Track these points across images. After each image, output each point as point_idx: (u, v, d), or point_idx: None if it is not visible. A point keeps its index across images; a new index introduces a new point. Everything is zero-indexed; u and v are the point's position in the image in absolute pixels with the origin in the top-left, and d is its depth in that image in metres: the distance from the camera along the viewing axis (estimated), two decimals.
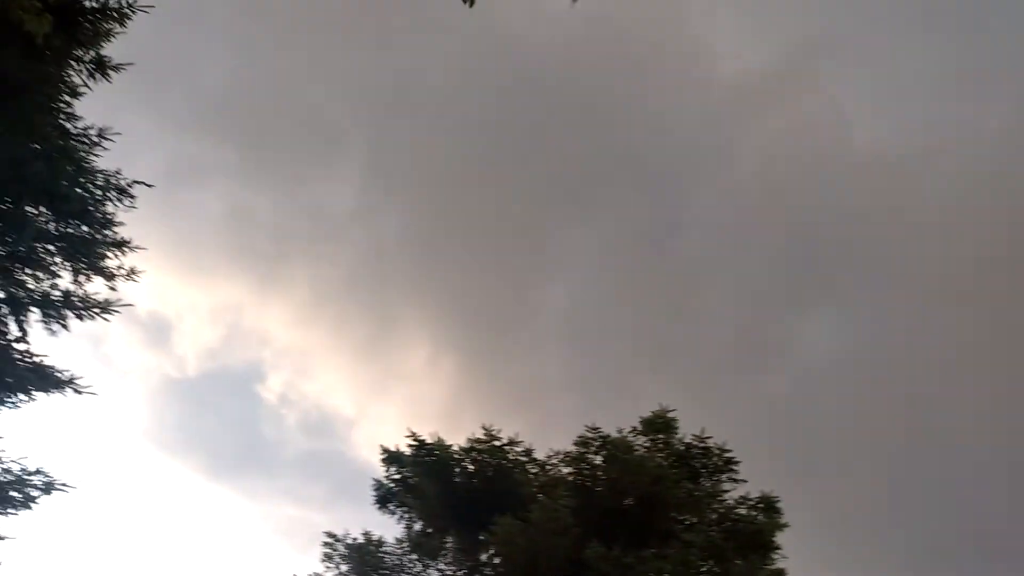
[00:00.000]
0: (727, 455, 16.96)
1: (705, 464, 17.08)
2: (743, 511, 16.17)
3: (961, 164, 33.04)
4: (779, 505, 16.03)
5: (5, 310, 8.78)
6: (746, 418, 27.97)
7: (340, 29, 31.23)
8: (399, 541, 16.55)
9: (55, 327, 9.37)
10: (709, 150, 36.10)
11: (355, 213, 35.90)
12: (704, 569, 14.57)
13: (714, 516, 16.27)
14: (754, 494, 16.60)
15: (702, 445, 17.08)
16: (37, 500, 10.80)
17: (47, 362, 9.98)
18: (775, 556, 15.49)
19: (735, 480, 16.91)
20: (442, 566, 16.48)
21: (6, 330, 8.95)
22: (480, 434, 17.54)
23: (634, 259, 36.00)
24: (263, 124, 33.65)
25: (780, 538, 16.06)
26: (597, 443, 16.90)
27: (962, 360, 28.83)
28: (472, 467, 17.29)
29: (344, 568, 15.91)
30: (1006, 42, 32.75)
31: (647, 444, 17.19)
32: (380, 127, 34.97)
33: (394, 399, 32.61)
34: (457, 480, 16.98)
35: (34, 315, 9.27)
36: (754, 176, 35.48)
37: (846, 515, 25.78)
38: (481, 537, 15.83)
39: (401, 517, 16.97)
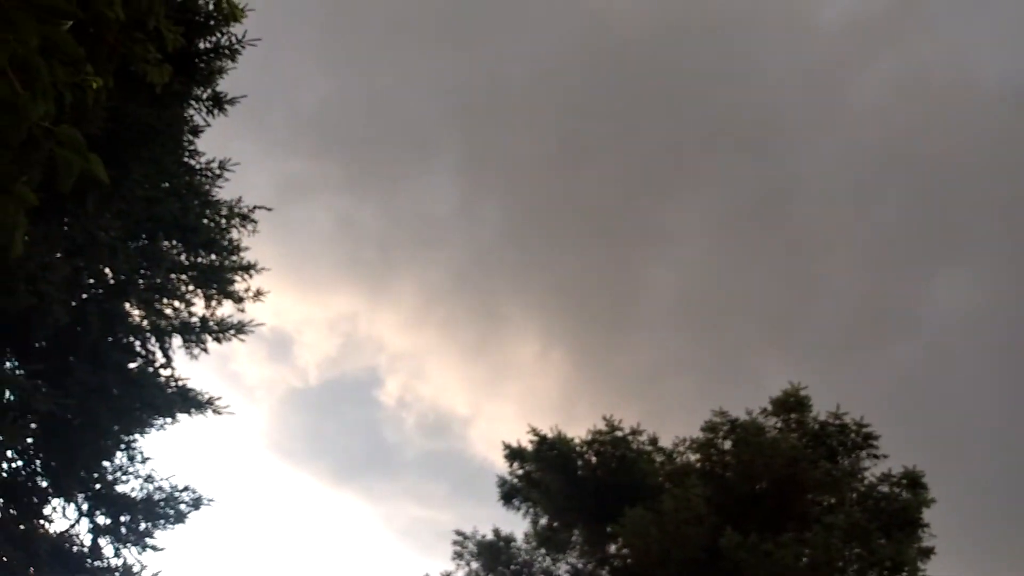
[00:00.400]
0: (865, 431, 16.17)
1: (842, 442, 16.34)
2: (886, 488, 15.38)
3: None
4: (924, 480, 15.17)
5: (151, 339, 9.38)
6: (882, 390, 26.60)
7: (424, 32, 31.66)
8: (527, 536, 16.67)
9: (196, 351, 9.93)
10: (819, 106, 34.47)
11: (456, 213, 36.40)
12: (847, 552, 13.93)
13: (855, 496, 15.55)
14: (896, 470, 15.81)
15: (838, 422, 16.36)
16: (188, 516, 11.45)
17: (189, 385, 10.55)
18: (923, 533, 14.65)
19: (875, 456, 16.13)
20: (571, 559, 16.49)
21: (153, 358, 9.55)
22: (601, 425, 17.51)
23: (746, 230, 34.86)
24: (361, 135, 34.61)
25: (927, 515, 15.23)
26: (726, 427, 16.49)
27: None
28: (595, 459, 17.23)
29: (475, 565, 16.18)
30: None
31: (779, 425, 16.65)
32: (473, 124, 35.26)
33: (508, 395, 32.92)
34: (580, 473, 16.95)
35: (176, 341, 9.86)
36: (870, 129, 33.57)
37: (997, 486, 24.12)
38: (608, 529, 15.73)
39: (526, 512, 17.09)
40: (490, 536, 16.38)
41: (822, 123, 33.08)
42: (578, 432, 17.72)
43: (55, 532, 10.68)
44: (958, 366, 28.04)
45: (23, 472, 9.57)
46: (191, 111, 7.42)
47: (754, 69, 33.85)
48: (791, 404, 16.35)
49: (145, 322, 9.27)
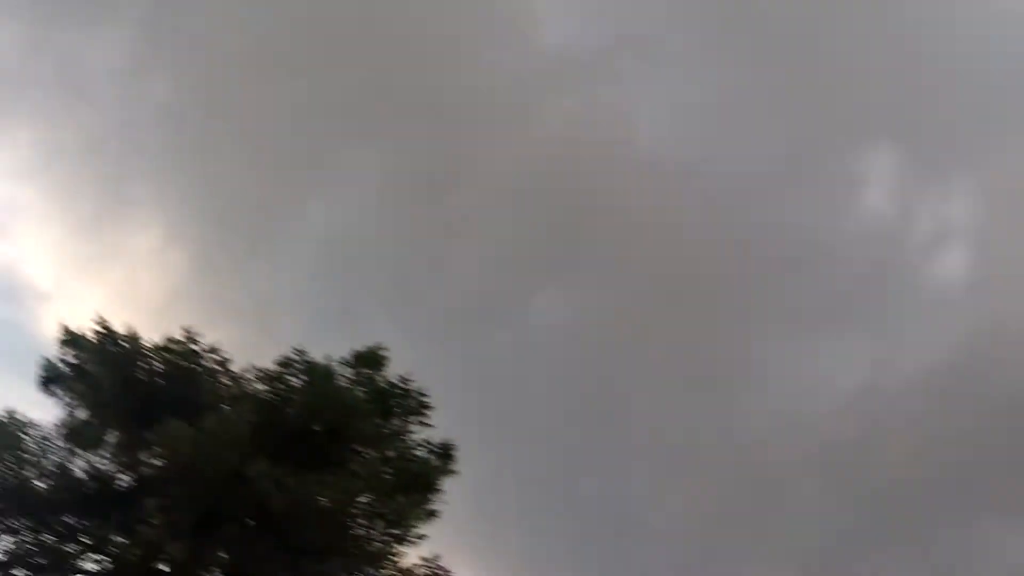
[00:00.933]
0: (423, 399, 17.56)
1: (401, 405, 17.60)
2: (421, 453, 16.95)
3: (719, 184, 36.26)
4: (454, 453, 16.98)
5: None
6: (467, 372, 29.30)
7: None
8: (56, 427, 15.48)
9: None
10: (507, 115, 36.81)
11: (120, 72, 32.54)
12: (364, 500, 15.16)
13: (393, 454, 16.89)
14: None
15: (403, 387, 17.57)
16: None
17: None
18: (435, 498, 16.43)
19: (425, 424, 17.61)
20: (95, 458, 15.68)
21: None
22: (180, 335, 16.96)
23: (407, 200, 36.00)
24: None
25: (449, 484, 17.09)
26: (300, 366, 16.89)
27: (658, 357, 32.29)
28: (161, 366, 16.63)
29: None
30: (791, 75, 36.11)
31: (352, 376, 17.43)
32: None
33: (108, 281, 30.23)
34: (140, 376, 16.22)
35: None
36: (539, 152, 36.66)
37: (533, 477, 28.07)
38: (148, 437, 15.24)
39: (66, 403, 15.87)
40: (3, 416, 14.87)
41: (504, 131, 35.51)
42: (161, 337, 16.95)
43: None
44: (536, 368, 32.02)
45: None
46: None
47: (467, 60, 35.21)
48: (368, 360, 17.23)
49: None
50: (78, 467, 15.43)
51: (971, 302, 33.81)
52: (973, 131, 33.83)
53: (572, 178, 33.88)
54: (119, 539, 15.23)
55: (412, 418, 17.58)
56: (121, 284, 30.25)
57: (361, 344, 17.52)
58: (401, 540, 16.15)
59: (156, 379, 16.24)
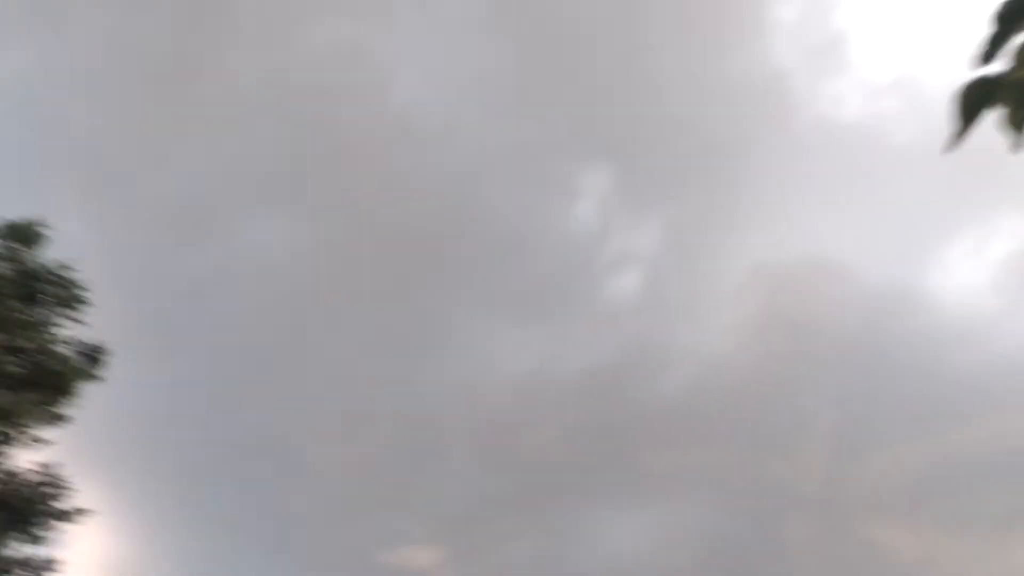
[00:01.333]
0: (80, 293, 15.87)
1: (52, 293, 15.74)
2: (64, 351, 15.32)
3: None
4: (103, 358, 15.59)
5: None
6: (155, 278, 27.10)
7: None
8: None
9: None
10: (271, 20, 34.39)
11: None
12: None
13: (28, 345, 15.06)
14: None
15: (59, 274, 15.72)
16: None
17: None
18: (68, 402, 15.01)
19: (76, 321, 15.93)
20: None
21: None
22: None
23: (135, 76, 32.12)
24: None
25: (92, 390, 15.70)
26: None
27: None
28: None
29: None
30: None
31: None
32: None
33: None
34: None
35: None
36: (296, 66, 34.73)
37: (198, 402, 26.81)
38: None
39: None
40: None
41: (263, 37, 33.19)
42: None
43: None
44: (231, 292, 30.61)
45: None
46: None
47: None
48: (22, 234, 15.15)
49: None
50: None
51: (633, 321, 38.47)
52: (672, 177, 38.34)
53: (319, 107, 32.62)
54: None
55: (62, 311, 15.82)
56: None
57: (20, 215, 15.42)
58: (11, 440, 14.52)
59: None
